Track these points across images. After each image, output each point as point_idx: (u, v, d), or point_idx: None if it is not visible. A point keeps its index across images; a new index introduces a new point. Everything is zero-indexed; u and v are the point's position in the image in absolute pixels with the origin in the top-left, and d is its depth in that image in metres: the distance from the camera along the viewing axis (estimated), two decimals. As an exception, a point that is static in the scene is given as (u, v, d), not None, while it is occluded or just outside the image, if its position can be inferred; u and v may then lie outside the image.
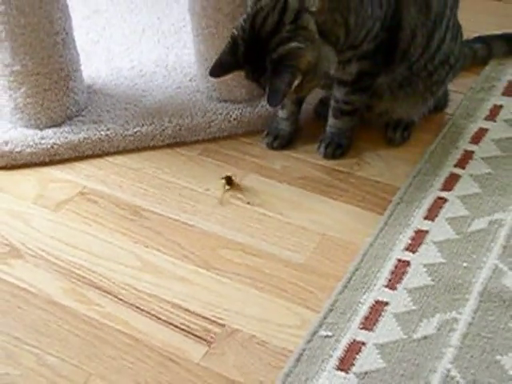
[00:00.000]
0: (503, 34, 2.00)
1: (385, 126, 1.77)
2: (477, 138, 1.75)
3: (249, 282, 1.47)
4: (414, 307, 1.38)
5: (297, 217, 1.60)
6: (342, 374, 1.28)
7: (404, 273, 1.45)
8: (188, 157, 1.77)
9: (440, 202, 1.59)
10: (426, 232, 1.53)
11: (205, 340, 1.37)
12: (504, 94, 1.87)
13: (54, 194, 1.70)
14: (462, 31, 1.74)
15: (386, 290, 1.42)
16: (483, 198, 1.59)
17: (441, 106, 1.81)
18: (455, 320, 1.35)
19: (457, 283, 1.42)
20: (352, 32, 1.54)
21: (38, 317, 1.42)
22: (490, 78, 1.93)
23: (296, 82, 1.48)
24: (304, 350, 1.32)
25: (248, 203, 1.65)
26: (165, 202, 1.66)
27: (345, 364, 1.29)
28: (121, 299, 1.45)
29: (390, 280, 1.43)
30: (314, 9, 1.47)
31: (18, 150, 1.76)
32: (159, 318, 1.41)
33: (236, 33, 1.52)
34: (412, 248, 1.50)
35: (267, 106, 1.76)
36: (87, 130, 1.79)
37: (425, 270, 1.45)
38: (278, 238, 1.56)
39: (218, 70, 1.57)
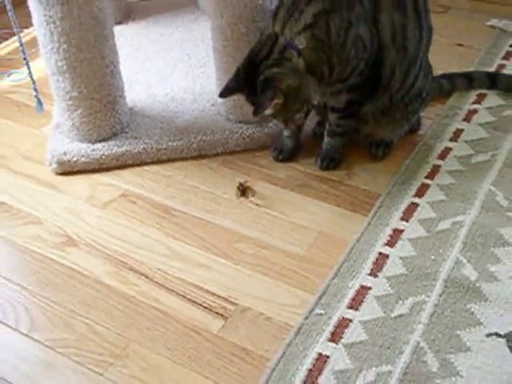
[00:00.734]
0: (464, 72, 1.99)
1: (369, 145, 1.76)
2: (443, 155, 1.74)
3: (258, 269, 1.47)
4: (391, 291, 1.38)
5: (297, 217, 1.59)
6: (333, 344, 1.28)
7: (384, 263, 1.44)
8: (210, 167, 1.76)
9: (413, 207, 1.58)
10: (402, 231, 1.52)
11: (222, 315, 1.36)
12: (464, 120, 1.87)
13: (102, 196, 1.70)
14: (432, 70, 1.73)
15: (369, 277, 1.41)
16: (448, 204, 1.58)
17: (414, 128, 1.81)
18: (424, 302, 1.35)
19: (426, 272, 1.41)
20: (336, 69, 1.54)
21: (89, 294, 1.43)
22: (453, 107, 1.92)
23: (279, 100, 1.50)
24: (302, 324, 1.32)
25: (258, 205, 1.64)
26: (190, 203, 1.66)
27: (335, 337, 1.29)
28: (154, 281, 1.45)
29: (372, 269, 1.43)
30: (300, 46, 1.49)
31: (74, 159, 1.76)
32: (184, 297, 1.41)
33: (240, 65, 1.56)
34: (390, 243, 1.49)
35: (273, 127, 1.77)
36: (129, 144, 1.79)
37: (400, 261, 1.44)
38: (282, 234, 1.55)
39: (225, 92, 1.60)
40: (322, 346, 1.28)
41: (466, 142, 1.78)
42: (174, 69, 2.11)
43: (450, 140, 1.80)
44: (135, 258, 1.51)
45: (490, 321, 1.30)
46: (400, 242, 1.49)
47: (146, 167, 1.78)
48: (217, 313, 1.37)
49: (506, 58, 2.11)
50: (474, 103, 1.92)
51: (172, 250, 1.53)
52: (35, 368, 1.28)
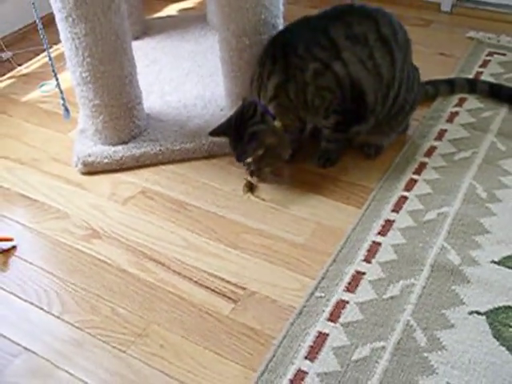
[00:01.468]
0: (446, 79, 1.98)
1: (362, 145, 1.74)
2: (429, 153, 1.73)
3: (263, 257, 1.46)
4: (383, 276, 1.37)
5: (299, 210, 1.59)
6: (332, 324, 1.28)
7: (377, 251, 1.43)
8: (219, 166, 1.76)
9: (403, 199, 1.58)
10: (393, 221, 1.51)
11: (232, 299, 1.36)
12: (447, 121, 1.86)
13: (123, 193, 1.69)
14: (418, 80, 1.69)
15: (364, 263, 1.41)
16: (433, 197, 1.58)
17: (403, 130, 1.80)
18: (413, 285, 1.34)
19: (415, 258, 1.41)
20: (307, 120, 1.64)
21: (112, 280, 1.43)
22: (437, 109, 1.91)
23: (260, 152, 1.57)
24: (304, 306, 1.32)
25: (263, 200, 1.63)
26: (203, 198, 1.65)
27: (333, 317, 1.29)
28: (170, 268, 1.45)
29: (366, 256, 1.42)
30: (273, 112, 1.57)
31: (97, 160, 1.76)
32: (198, 283, 1.41)
33: (230, 117, 1.61)
34: (382, 233, 1.48)
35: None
36: (146, 146, 1.78)
37: (392, 248, 1.44)
38: (284, 225, 1.54)
39: (215, 133, 1.63)
40: (322, 325, 1.28)
41: (449, 141, 1.78)
42: (185, 78, 2.11)
43: (435, 139, 1.79)
44: (153, 249, 1.50)
45: (471, 300, 1.30)
46: (391, 232, 1.48)
47: (163, 167, 1.77)
48: (227, 297, 1.37)
49: (483, 65, 2.10)
50: (455, 106, 1.91)
51: (187, 240, 1.52)
52: (66, 346, 1.29)
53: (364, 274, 1.38)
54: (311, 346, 1.23)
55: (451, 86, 1.96)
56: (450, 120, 1.86)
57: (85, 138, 1.84)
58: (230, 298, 1.36)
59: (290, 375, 1.19)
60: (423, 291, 1.33)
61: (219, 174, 1.73)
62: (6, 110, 2.08)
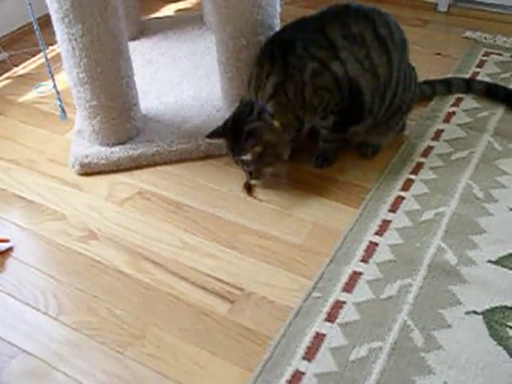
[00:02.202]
0: (443, 79, 1.98)
1: (359, 145, 1.74)
2: (426, 153, 1.74)
3: (260, 257, 1.46)
4: (381, 276, 1.37)
5: (296, 210, 1.59)
6: (329, 324, 1.28)
7: (374, 251, 1.43)
8: (216, 166, 1.76)
9: (400, 200, 1.58)
10: (390, 221, 1.51)
11: (228, 299, 1.36)
12: (444, 121, 1.86)
13: (120, 193, 1.69)
14: (415, 80, 1.69)
15: (361, 263, 1.41)
16: (430, 197, 1.58)
17: (400, 130, 1.80)
18: (410, 285, 1.34)
19: (412, 258, 1.41)
20: (305, 120, 1.62)
21: (109, 281, 1.43)
22: (434, 109, 1.91)
23: (258, 149, 1.54)
24: (301, 307, 1.32)
25: (260, 200, 1.63)
26: (199, 199, 1.65)
27: (331, 317, 1.29)
28: (167, 269, 1.45)
29: (363, 256, 1.42)
30: (271, 110, 1.56)
31: (94, 161, 1.76)
32: (195, 283, 1.41)
33: (227, 119, 1.60)
34: (379, 233, 1.48)
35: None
36: (143, 147, 1.78)
37: (389, 248, 1.44)
38: (282, 226, 1.54)
39: (212, 135, 1.63)
40: (319, 325, 1.28)
41: (445, 141, 1.78)
42: (182, 79, 2.11)
43: (432, 139, 1.79)
44: (150, 249, 1.50)
45: (468, 300, 1.30)
46: (388, 232, 1.48)
47: (159, 167, 1.77)
48: (224, 297, 1.37)
49: (479, 66, 2.11)
50: (452, 106, 1.91)
51: (183, 241, 1.52)
52: (63, 347, 1.29)
53: (361, 274, 1.38)
54: (308, 347, 1.23)
55: (448, 86, 1.96)
56: (447, 120, 1.86)
57: (81, 139, 1.84)
58: (226, 298, 1.36)
59: (287, 376, 1.19)
60: (420, 291, 1.33)
61: (216, 175, 1.72)
62: (2, 111, 2.07)
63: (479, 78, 2.03)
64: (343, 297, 1.33)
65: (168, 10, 2.71)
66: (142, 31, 2.42)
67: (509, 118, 1.83)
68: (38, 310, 1.37)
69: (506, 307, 1.28)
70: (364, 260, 1.41)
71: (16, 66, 2.33)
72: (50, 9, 1.62)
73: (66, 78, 1.76)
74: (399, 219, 1.52)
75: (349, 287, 1.35)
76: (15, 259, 1.51)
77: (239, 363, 1.23)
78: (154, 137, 1.82)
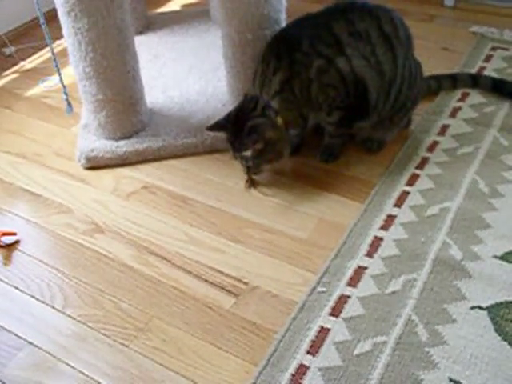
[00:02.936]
0: (449, 73, 1.97)
1: (365, 140, 1.74)
2: (431, 148, 1.73)
3: (265, 251, 1.46)
4: (385, 270, 1.37)
5: (301, 204, 1.58)
6: (333, 318, 1.27)
7: (379, 246, 1.43)
8: (222, 160, 1.75)
9: (405, 194, 1.57)
10: (395, 216, 1.51)
11: (233, 293, 1.36)
12: (450, 116, 1.85)
13: (125, 187, 1.69)
14: (420, 76, 1.68)
15: (366, 258, 1.40)
16: (436, 192, 1.57)
17: (405, 125, 1.79)
18: (415, 279, 1.34)
19: (416, 253, 1.40)
20: (310, 117, 1.62)
21: (115, 275, 1.43)
22: (440, 104, 1.90)
23: (259, 146, 1.53)
24: (306, 301, 1.32)
25: (265, 194, 1.63)
26: (205, 193, 1.65)
27: (335, 311, 1.29)
28: (172, 263, 1.45)
29: (368, 251, 1.42)
30: (276, 107, 1.56)
31: (100, 155, 1.76)
32: (200, 277, 1.41)
33: (229, 112, 1.59)
34: (385, 227, 1.48)
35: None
36: (149, 141, 1.78)
37: (394, 243, 1.43)
38: (286, 220, 1.54)
39: (213, 127, 1.62)
40: (324, 319, 1.27)
41: (451, 136, 1.77)
42: (188, 73, 2.10)
43: (438, 134, 1.78)
44: (156, 243, 1.50)
45: (473, 295, 1.29)
46: (393, 226, 1.48)
47: (165, 162, 1.77)
48: (229, 291, 1.37)
49: (486, 60, 2.09)
50: (458, 101, 1.90)
51: (189, 235, 1.52)
52: (69, 340, 1.29)
53: (366, 268, 1.38)
54: (313, 341, 1.23)
55: (454, 81, 1.95)
56: (453, 115, 1.85)
57: (88, 133, 1.84)
58: (231, 292, 1.36)
59: (291, 370, 1.19)
60: (425, 286, 1.32)
61: (221, 169, 1.72)
62: (9, 105, 2.08)
63: (486, 72, 2.02)
64: (348, 291, 1.33)
65: (174, 5, 2.71)
66: (149, 25, 2.42)
67: (515, 113, 1.83)
68: (44, 302, 1.37)
69: (511, 302, 1.27)
70: (369, 255, 1.41)
71: (23, 60, 2.33)
72: (56, 2, 1.62)
73: (73, 72, 1.76)
74: (404, 214, 1.51)
75: (353, 282, 1.35)
76: (22, 252, 1.51)
77: (243, 357, 1.23)
78: (160, 131, 1.81)
